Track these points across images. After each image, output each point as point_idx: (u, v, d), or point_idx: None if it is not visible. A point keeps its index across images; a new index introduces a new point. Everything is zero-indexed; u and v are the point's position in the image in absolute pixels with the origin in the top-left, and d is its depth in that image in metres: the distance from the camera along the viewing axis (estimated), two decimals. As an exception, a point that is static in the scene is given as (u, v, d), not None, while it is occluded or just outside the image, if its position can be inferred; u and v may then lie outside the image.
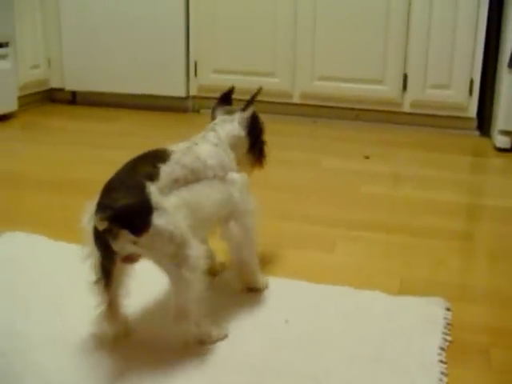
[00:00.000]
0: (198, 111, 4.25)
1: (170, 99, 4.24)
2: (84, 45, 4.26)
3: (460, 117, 3.83)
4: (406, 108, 3.88)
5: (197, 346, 1.53)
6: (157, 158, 1.54)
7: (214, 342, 1.55)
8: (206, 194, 1.59)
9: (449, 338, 1.61)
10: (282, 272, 1.94)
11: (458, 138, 3.77)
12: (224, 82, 4.12)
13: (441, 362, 1.50)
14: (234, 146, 1.78)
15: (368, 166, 3.19)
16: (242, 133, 1.82)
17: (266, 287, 1.83)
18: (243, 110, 1.84)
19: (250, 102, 1.84)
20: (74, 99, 4.47)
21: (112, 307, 1.54)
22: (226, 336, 1.58)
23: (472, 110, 3.79)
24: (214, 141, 1.73)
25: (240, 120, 1.82)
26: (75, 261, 1.84)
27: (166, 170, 1.50)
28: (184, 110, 4.26)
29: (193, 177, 1.57)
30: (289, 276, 1.91)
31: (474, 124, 3.86)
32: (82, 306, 1.60)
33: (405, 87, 3.85)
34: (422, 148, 3.56)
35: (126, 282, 1.54)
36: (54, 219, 2.36)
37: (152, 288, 1.74)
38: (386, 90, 3.87)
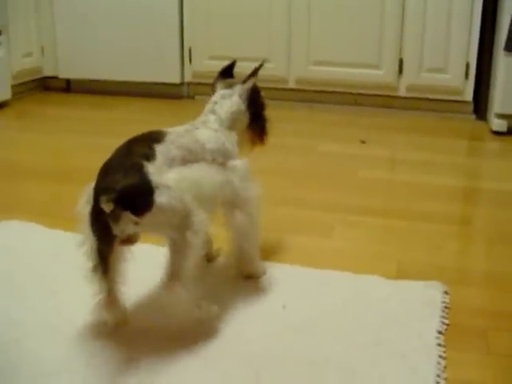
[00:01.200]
0: (192, 97, 4.23)
1: (165, 86, 4.22)
2: (77, 32, 4.22)
3: (456, 100, 3.81)
4: (402, 92, 3.87)
5: (195, 328, 1.53)
6: (151, 139, 1.53)
7: (211, 318, 1.56)
8: (206, 172, 1.57)
9: (447, 321, 1.61)
10: (279, 257, 1.94)
11: (454, 121, 3.77)
12: (219, 67, 4.13)
13: (439, 345, 1.50)
14: (234, 123, 1.75)
15: (364, 150, 3.18)
16: (242, 106, 1.78)
17: (264, 274, 1.82)
18: (244, 82, 1.80)
19: (251, 75, 1.80)
20: (68, 87, 4.45)
21: (110, 295, 1.53)
22: (218, 314, 1.58)
23: (468, 94, 3.77)
24: (214, 126, 1.70)
25: (240, 92, 1.78)
26: (71, 249, 1.83)
27: (161, 150, 1.49)
28: (179, 97, 4.24)
29: (191, 156, 1.55)
30: (286, 261, 1.91)
31: (471, 107, 3.85)
32: (78, 294, 1.59)
33: (401, 71, 3.83)
34: (418, 132, 3.55)
35: (124, 268, 1.53)
36: (49, 207, 2.35)
37: (150, 274, 1.73)
38: (382, 74, 3.85)
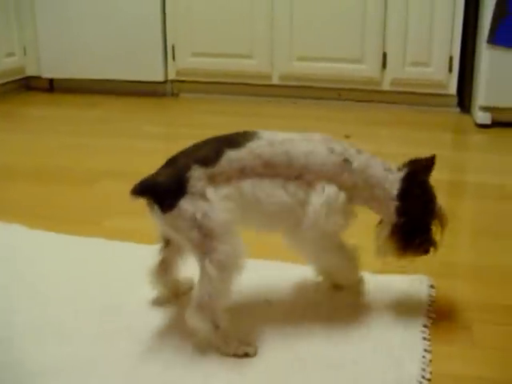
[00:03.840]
0: (177, 95, 4.21)
1: (149, 84, 4.20)
2: (60, 31, 4.20)
3: (440, 94, 3.83)
4: (386, 86, 3.87)
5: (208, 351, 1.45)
6: (230, 142, 1.47)
7: (233, 355, 1.44)
8: (272, 194, 1.46)
9: (432, 315, 1.61)
10: (259, 254, 1.92)
11: (438, 115, 3.78)
12: (202, 65, 4.13)
13: (424, 339, 1.50)
14: (364, 190, 1.57)
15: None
16: (393, 191, 1.54)
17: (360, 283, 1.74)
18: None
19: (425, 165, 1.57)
20: (51, 87, 4.42)
21: (163, 264, 1.59)
22: (254, 353, 1.46)
23: (452, 87, 3.79)
24: (336, 148, 1.53)
25: (395, 178, 1.55)
26: (55, 249, 1.82)
27: (230, 157, 1.44)
28: (163, 95, 4.22)
29: (265, 170, 1.45)
30: (267, 257, 1.89)
31: (455, 101, 3.87)
32: (63, 295, 1.59)
33: (384, 65, 3.83)
34: (402, 126, 3.56)
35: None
36: (33, 208, 2.33)
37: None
38: (366, 68, 3.86)
